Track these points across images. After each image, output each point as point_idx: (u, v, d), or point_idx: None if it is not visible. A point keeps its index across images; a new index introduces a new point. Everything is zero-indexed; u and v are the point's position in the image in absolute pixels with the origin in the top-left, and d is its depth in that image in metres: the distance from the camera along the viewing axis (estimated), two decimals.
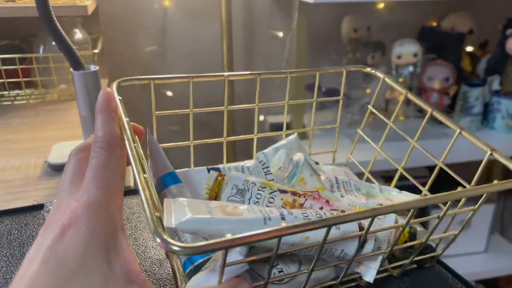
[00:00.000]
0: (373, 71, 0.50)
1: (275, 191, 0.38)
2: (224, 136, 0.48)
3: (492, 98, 1.42)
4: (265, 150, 0.46)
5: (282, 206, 0.38)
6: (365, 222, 0.34)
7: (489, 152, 0.38)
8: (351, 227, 0.34)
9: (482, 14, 1.53)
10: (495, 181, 0.33)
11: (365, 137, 0.50)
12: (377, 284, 0.39)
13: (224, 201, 0.38)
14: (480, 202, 0.37)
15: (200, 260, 0.34)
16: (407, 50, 1.36)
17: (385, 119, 0.48)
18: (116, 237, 0.29)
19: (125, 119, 0.35)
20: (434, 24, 1.56)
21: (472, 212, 0.38)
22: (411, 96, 0.46)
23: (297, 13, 1.18)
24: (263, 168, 0.44)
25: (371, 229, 0.32)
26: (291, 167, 0.42)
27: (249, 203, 0.38)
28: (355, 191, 0.45)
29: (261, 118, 1.48)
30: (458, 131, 0.40)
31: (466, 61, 1.47)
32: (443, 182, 0.64)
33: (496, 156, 0.37)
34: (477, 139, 0.39)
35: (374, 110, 0.50)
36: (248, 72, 0.47)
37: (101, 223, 0.29)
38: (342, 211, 0.37)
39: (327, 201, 0.39)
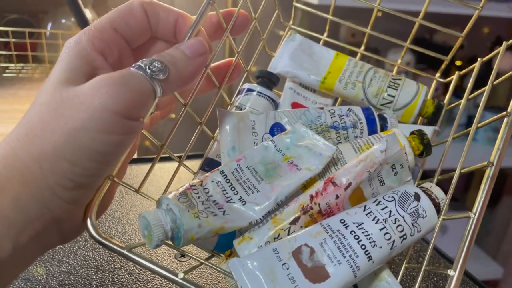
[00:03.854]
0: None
1: (288, 227, 0.32)
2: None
3: (475, 111, 1.48)
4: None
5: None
6: None
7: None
8: None
9: (473, 30, 1.60)
10: None
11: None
12: None
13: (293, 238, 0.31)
14: None
15: None
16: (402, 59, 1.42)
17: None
18: None
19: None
20: (427, 36, 1.63)
21: None
22: None
23: (300, 12, 1.23)
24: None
25: None
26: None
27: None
28: None
29: None
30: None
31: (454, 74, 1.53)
32: None
33: None
34: None
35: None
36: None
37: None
38: None
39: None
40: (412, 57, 1.43)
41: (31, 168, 0.27)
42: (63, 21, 1.14)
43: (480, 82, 0.46)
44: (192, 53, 0.32)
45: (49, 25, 1.13)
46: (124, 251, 0.29)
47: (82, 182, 0.28)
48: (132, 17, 0.33)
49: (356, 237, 0.30)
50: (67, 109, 0.28)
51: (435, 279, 0.49)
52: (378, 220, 0.31)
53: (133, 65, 0.30)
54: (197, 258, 0.33)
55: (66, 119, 0.27)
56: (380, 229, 0.30)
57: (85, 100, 0.28)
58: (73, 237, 0.32)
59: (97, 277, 0.44)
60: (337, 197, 0.32)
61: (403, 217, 0.31)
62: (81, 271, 0.45)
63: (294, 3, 0.54)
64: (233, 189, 0.34)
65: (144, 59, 0.30)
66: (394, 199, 0.32)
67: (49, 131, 0.28)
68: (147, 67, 0.29)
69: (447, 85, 0.52)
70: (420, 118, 0.48)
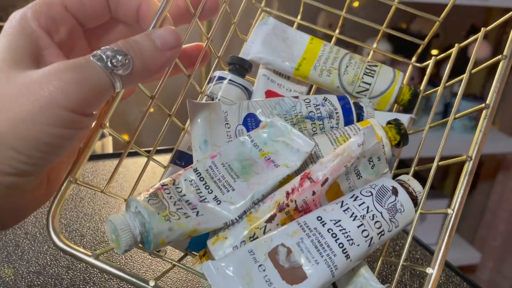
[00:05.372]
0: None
1: (264, 226, 0.31)
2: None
3: (452, 99, 1.50)
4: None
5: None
6: None
7: None
8: None
9: (448, 19, 1.61)
10: None
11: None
12: None
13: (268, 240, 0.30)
14: None
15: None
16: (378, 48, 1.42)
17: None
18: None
19: None
20: (404, 25, 1.63)
21: None
22: None
23: (277, 3, 1.22)
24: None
25: None
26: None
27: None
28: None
29: None
30: None
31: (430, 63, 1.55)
32: None
33: None
34: None
35: None
36: None
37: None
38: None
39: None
40: (389, 46, 1.43)
41: None
42: None
43: (456, 70, 0.46)
44: (163, 45, 0.30)
45: None
46: (91, 259, 0.27)
47: (26, 169, 0.27)
48: None
49: (334, 235, 0.29)
50: (15, 97, 0.26)
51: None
52: (356, 216, 0.30)
53: (94, 53, 0.27)
54: (170, 260, 0.32)
55: (13, 108, 0.26)
56: (358, 226, 0.29)
57: (34, 90, 0.26)
58: (12, 225, 0.31)
59: (68, 277, 0.43)
60: (313, 193, 0.31)
61: (381, 212, 0.30)
62: (51, 271, 0.43)
63: None
64: (207, 187, 0.33)
65: (107, 48, 0.28)
66: (372, 194, 0.31)
67: None
68: (109, 60, 0.27)
69: (423, 73, 0.52)
70: (396, 105, 0.48)
